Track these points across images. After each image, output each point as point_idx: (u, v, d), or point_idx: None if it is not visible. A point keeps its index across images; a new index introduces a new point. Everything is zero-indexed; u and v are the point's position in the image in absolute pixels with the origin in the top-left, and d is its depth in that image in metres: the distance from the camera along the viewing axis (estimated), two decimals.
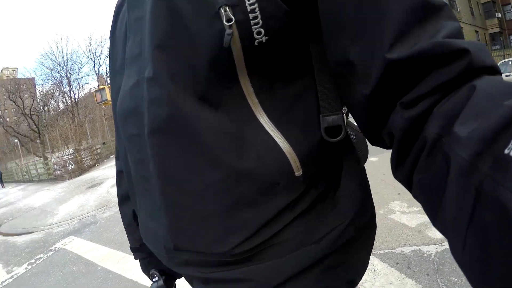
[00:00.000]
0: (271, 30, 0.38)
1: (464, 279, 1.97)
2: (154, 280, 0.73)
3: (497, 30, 25.58)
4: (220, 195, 0.43)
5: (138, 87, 0.46)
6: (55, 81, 31.41)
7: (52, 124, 26.30)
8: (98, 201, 7.21)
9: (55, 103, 33.27)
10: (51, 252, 4.62)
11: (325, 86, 0.44)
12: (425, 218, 2.62)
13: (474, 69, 0.28)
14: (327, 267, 0.47)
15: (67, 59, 32.08)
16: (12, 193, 15.78)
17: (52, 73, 31.28)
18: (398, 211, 2.92)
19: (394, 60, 0.30)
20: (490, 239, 0.19)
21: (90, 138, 19.21)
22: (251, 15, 0.37)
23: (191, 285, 0.60)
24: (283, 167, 0.43)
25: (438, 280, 1.88)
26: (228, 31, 0.37)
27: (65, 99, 31.29)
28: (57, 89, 31.84)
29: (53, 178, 15.05)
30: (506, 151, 0.18)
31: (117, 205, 0.76)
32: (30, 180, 19.20)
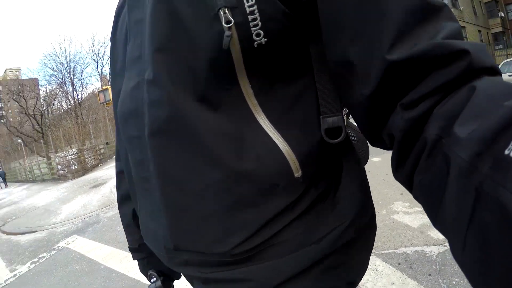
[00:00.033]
0: (270, 31, 0.38)
1: (466, 280, 1.93)
2: (152, 280, 0.74)
3: (500, 29, 25.41)
4: (220, 196, 0.44)
5: (138, 89, 0.46)
6: (58, 81, 31.49)
7: (55, 125, 26.35)
8: (101, 201, 7.22)
9: (58, 104, 33.37)
10: (54, 251, 4.63)
11: (325, 87, 0.44)
12: (427, 219, 2.57)
13: (474, 69, 0.28)
14: (327, 268, 0.47)
15: (70, 59, 32.47)
16: (15, 193, 15.83)
17: (56, 73, 31.35)
18: (401, 212, 2.91)
19: (394, 61, 0.30)
20: (490, 239, 0.19)
21: (93, 138, 19.22)
22: (250, 17, 0.37)
23: (192, 285, 0.60)
24: (283, 169, 0.43)
25: (440, 280, 1.88)
26: (227, 33, 0.37)
27: (69, 100, 31.37)
28: (61, 89, 31.93)
29: (56, 178, 15.10)
30: (506, 152, 0.18)
31: None
32: (33, 180, 19.28)
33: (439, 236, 2.31)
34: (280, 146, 0.43)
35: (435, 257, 2.11)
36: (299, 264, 0.45)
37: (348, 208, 0.48)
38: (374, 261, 2.23)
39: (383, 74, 0.31)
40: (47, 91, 32.90)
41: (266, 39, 0.38)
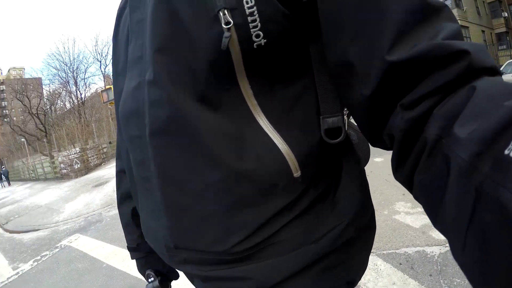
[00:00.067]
0: (269, 33, 0.38)
1: (467, 280, 1.93)
2: (149, 280, 0.74)
3: (504, 29, 25.20)
4: (219, 195, 0.44)
5: (139, 89, 0.46)
6: (61, 81, 31.74)
7: (58, 124, 26.50)
8: (104, 200, 7.25)
9: (61, 103, 33.60)
10: (57, 250, 4.66)
11: (325, 87, 0.44)
12: (429, 219, 2.59)
13: (474, 70, 0.28)
14: (327, 267, 0.47)
15: (74, 59, 32.47)
16: (18, 191, 15.91)
17: (59, 73, 31.61)
18: (403, 212, 2.90)
19: (394, 61, 0.30)
20: (490, 239, 0.19)
21: (96, 137, 19.31)
22: (249, 18, 0.37)
23: (192, 283, 0.61)
24: (282, 169, 0.44)
25: (441, 281, 1.87)
26: (226, 33, 0.37)
27: (72, 99, 31.57)
28: (64, 89, 32.15)
29: (59, 176, 15.16)
30: (506, 152, 0.18)
31: None
32: (36, 179, 19.37)
33: (441, 236, 2.30)
34: (279, 146, 0.43)
35: (436, 258, 2.11)
36: (299, 263, 0.46)
37: (348, 208, 0.48)
38: (376, 261, 2.23)
39: (383, 74, 0.31)
40: (51, 90, 33.19)
41: (265, 40, 0.38)
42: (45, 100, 32.86)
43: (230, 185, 0.43)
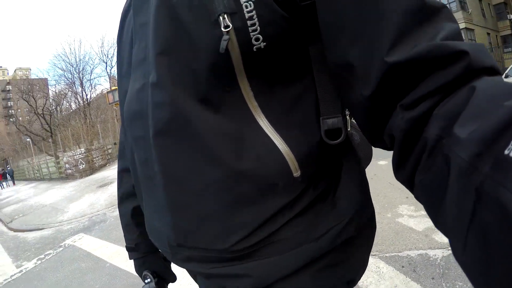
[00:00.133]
0: (269, 36, 0.39)
1: (470, 284, 1.92)
2: (146, 281, 0.74)
3: (509, 32, 24.95)
4: (220, 195, 0.45)
5: (143, 91, 0.47)
6: (67, 81, 31.88)
7: (64, 124, 26.60)
8: (108, 200, 7.28)
9: (67, 104, 33.75)
10: (61, 249, 4.68)
11: (325, 88, 0.44)
12: (432, 222, 2.58)
13: (474, 70, 0.28)
14: (326, 265, 0.47)
15: (80, 60, 32.79)
16: (23, 191, 16.01)
17: (65, 74, 31.76)
18: (406, 215, 2.89)
19: (394, 62, 0.30)
20: (491, 240, 0.19)
21: (101, 138, 19.36)
22: (249, 22, 0.38)
23: (195, 280, 0.62)
24: (282, 169, 0.44)
25: (443, 284, 1.86)
26: (224, 37, 0.38)
27: (77, 100, 31.71)
28: (70, 89, 32.30)
29: (64, 177, 15.24)
30: (506, 152, 0.18)
31: None
32: (41, 179, 19.51)
33: (444, 239, 2.30)
34: (279, 147, 0.44)
35: (439, 261, 2.09)
36: (298, 261, 0.46)
37: (347, 207, 0.48)
38: (378, 264, 2.22)
39: (383, 75, 0.31)
40: (56, 91, 33.38)
41: (265, 43, 0.39)
42: (51, 100, 33.04)
43: (230, 185, 0.44)
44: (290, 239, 0.46)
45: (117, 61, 0.61)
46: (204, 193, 0.45)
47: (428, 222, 2.62)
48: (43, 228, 6.37)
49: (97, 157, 15.61)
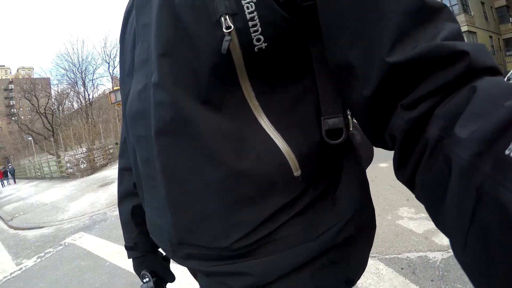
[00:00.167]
0: (270, 36, 0.39)
1: (469, 286, 1.95)
2: (144, 281, 0.74)
3: None
4: (220, 194, 0.45)
5: (145, 91, 0.48)
6: (70, 81, 32.07)
7: (66, 123, 26.70)
8: (109, 200, 7.29)
9: (69, 103, 33.89)
10: (61, 247, 4.69)
11: (326, 88, 0.44)
12: (432, 225, 2.56)
13: (474, 70, 0.28)
14: (326, 264, 0.47)
15: (82, 60, 33.04)
16: (24, 189, 16.04)
17: (67, 73, 31.95)
18: (406, 217, 2.89)
19: (394, 62, 0.30)
20: (491, 240, 0.19)
21: (103, 138, 19.39)
22: (250, 23, 0.38)
23: (195, 278, 0.62)
24: (282, 168, 0.44)
25: (443, 286, 1.86)
26: (226, 37, 0.38)
27: (80, 99, 31.83)
28: (72, 89, 32.46)
29: (65, 176, 15.28)
30: (506, 152, 0.18)
31: None
32: (42, 177, 19.54)
33: (443, 242, 2.30)
34: (280, 146, 0.44)
35: (438, 263, 2.09)
36: (298, 260, 0.46)
37: (347, 207, 0.48)
38: (377, 266, 2.22)
39: (383, 75, 0.32)
40: (59, 91, 33.52)
41: (266, 44, 0.39)
42: (53, 100, 33.13)
43: (230, 184, 0.44)
44: (290, 238, 0.46)
45: (119, 61, 0.62)
46: (204, 193, 0.45)
47: (428, 225, 2.62)
48: (43, 227, 6.39)
49: (99, 156, 15.65)
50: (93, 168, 14.73)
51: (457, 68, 0.28)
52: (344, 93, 0.41)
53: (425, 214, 2.81)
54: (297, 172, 0.45)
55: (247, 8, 0.38)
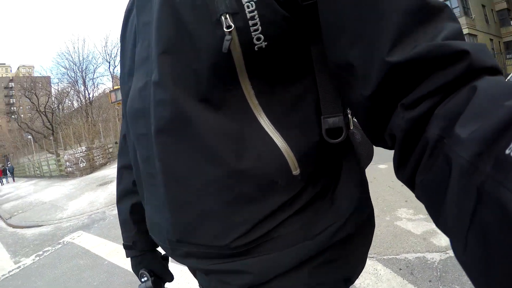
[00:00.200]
0: (270, 36, 0.39)
1: (467, 287, 1.96)
2: (142, 280, 0.73)
3: None
4: (220, 193, 0.45)
5: (146, 89, 0.48)
6: (70, 80, 32.08)
7: (65, 122, 26.68)
8: (108, 199, 7.28)
9: (69, 102, 33.91)
10: (59, 246, 4.69)
11: (326, 87, 0.44)
12: (430, 226, 2.59)
13: (475, 70, 0.28)
14: (324, 262, 0.48)
15: (83, 59, 33.11)
16: (23, 188, 16.01)
17: (68, 72, 31.98)
18: (404, 218, 2.89)
19: (394, 62, 0.30)
20: (491, 239, 0.19)
21: (102, 137, 19.36)
22: (250, 22, 0.38)
23: (195, 276, 0.62)
24: (281, 167, 0.44)
25: (440, 287, 1.86)
26: (227, 37, 0.38)
27: (80, 98, 31.86)
28: (72, 88, 32.48)
29: (64, 174, 15.24)
30: (507, 152, 0.18)
31: None
32: (41, 176, 19.49)
33: (441, 243, 2.30)
34: (279, 145, 0.44)
35: (436, 264, 2.09)
36: (297, 258, 0.46)
37: (346, 206, 0.49)
38: (375, 266, 2.23)
39: (384, 75, 0.32)
40: (59, 89, 33.54)
41: (266, 43, 0.39)
42: (53, 98, 33.14)
43: (230, 183, 0.44)
44: (289, 236, 0.46)
45: (120, 59, 0.62)
46: (205, 192, 0.45)
47: (426, 226, 2.63)
48: (42, 225, 6.38)
49: (98, 155, 15.62)
50: (92, 167, 14.70)
51: (457, 68, 0.28)
52: (344, 93, 0.41)
53: (423, 215, 2.82)
54: (296, 171, 0.45)
55: (248, 7, 0.38)
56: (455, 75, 0.28)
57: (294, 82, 0.45)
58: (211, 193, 0.45)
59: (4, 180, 25.18)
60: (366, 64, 0.33)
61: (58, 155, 17.70)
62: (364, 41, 0.33)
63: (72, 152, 14.87)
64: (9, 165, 29.86)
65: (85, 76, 31.66)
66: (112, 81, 30.30)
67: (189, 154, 0.45)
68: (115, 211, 5.71)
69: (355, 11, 0.34)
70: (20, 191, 14.57)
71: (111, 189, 8.34)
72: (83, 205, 7.36)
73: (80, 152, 14.51)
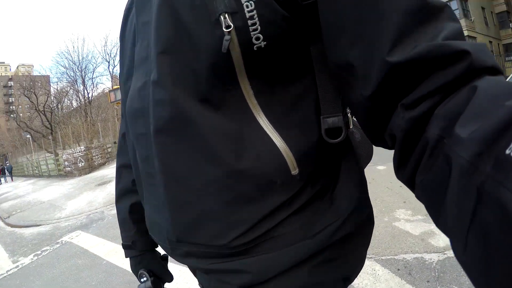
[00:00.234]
0: (269, 35, 0.39)
1: (465, 287, 1.97)
2: (142, 280, 0.73)
3: None
4: (219, 193, 0.45)
5: (145, 89, 0.48)
6: (69, 79, 32.05)
7: (64, 122, 26.66)
8: (106, 199, 7.26)
9: (68, 101, 33.85)
10: (58, 245, 4.67)
11: (326, 87, 0.44)
12: (429, 227, 2.60)
13: (475, 69, 0.28)
14: (323, 261, 0.48)
15: (83, 58, 33.06)
16: (21, 187, 15.95)
17: (67, 71, 31.95)
18: (403, 219, 2.89)
19: (394, 62, 0.30)
20: (491, 239, 0.19)
21: (101, 137, 19.33)
22: (249, 22, 0.38)
23: (195, 275, 0.62)
24: (280, 167, 0.45)
25: (438, 287, 1.87)
26: (226, 37, 0.38)
27: (79, 98, 31.81)
28: (71, 87, 32.42)
29: (63, 174, 15.22)
30: (507, 152, 0.18)
31: None
32: (40, 175, 19.44)
33: (440, 244, 2.31)
34: (278, 145, 0.44)
35: (434, 264, 2.10)
36: (296, 257, 0.46)
37: (345, 205, 0.49)
38: (374, 266, 2.23)
39: (384, 75, 0.31)
40: (58, 89, 33.50)
41: (265, 43, 0.39)
42: (52, 98, 33.07)
43: (229, 183, 0.44)
44: (288, 236, 0.46)
45: (120, 58, 0.62)
46: (204, 192, 0.46)
47: (424, 227, 2.64)
48: (40, 225, 6.35)
49: (97, 155, 15.59)
50: (91, 167, 14.68)
51: (457, 68, 0.28)
52: (344, 93, 0.41)
53: (421, 216, 2.83)
54: (294, 171, 0.45)
55: (247, 6, 0.38)
56: (455, 75, 0.28)
57: (293, 81, 0.45)
58: (211, 193, 0.45)
59: (2, 179, 25.09)
60: (366, 64, 0.33)
61: (56, 154, 17.69)
62: (364, 41, 0.33)
63: (70, 151, 14.86)
64: (7, 164, 29.82)
65: (85, 75, 31.70)
66: (112, 81, 30.26)
67: (189, 154, 0.45)
68: (114, 211, 5.72)
69: (355, 11, 0.34)
70: (19, 190, 14.52)
71: (110, 189, 8.32)
72: (81, 204, 7.34)
73: (79, 152, 14.49)
